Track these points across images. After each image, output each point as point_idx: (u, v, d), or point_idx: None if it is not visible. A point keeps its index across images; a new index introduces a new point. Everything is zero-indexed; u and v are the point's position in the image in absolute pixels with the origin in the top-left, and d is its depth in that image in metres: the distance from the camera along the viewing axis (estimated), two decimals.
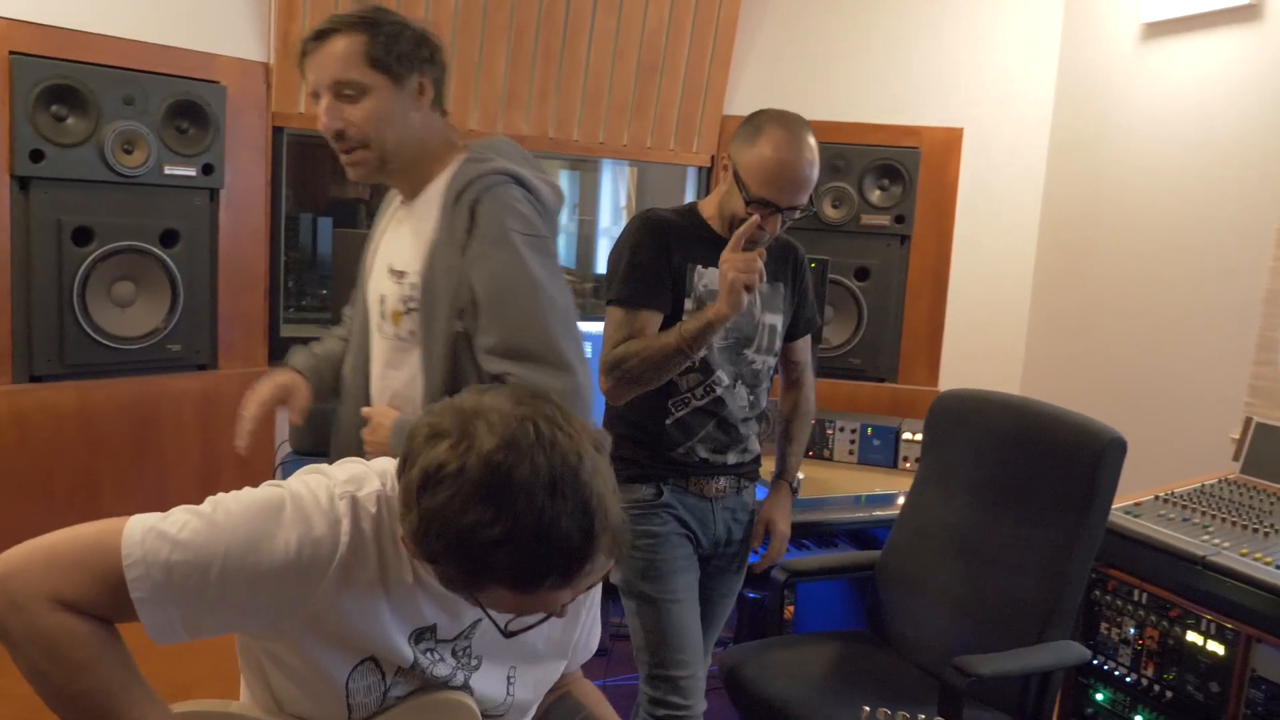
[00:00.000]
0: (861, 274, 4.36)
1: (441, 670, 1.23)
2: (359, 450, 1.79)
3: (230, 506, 1.13)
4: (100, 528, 1.10)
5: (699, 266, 2.32)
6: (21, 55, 3.36)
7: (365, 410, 1.89)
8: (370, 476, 1.21)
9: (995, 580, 2.42)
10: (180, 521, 1.10)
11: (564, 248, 5.78)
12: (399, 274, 1.88)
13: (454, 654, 1.23)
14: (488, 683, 1.28)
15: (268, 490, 1.15)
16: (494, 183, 1.76)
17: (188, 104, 3.74)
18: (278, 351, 4.18)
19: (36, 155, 3.41)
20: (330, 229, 5.21)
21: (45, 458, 3.54)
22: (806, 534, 3.22)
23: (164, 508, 1.15)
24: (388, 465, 1.23)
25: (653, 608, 2.26)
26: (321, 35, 1.79)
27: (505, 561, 1.01)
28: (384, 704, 1.19)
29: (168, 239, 3.75)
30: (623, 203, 6.25)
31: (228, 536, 1.09)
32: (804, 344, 2.60)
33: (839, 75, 4.52)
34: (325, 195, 5.44)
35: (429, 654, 1.20)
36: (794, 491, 2.63)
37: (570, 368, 1.65)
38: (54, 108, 3.45)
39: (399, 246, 1.90)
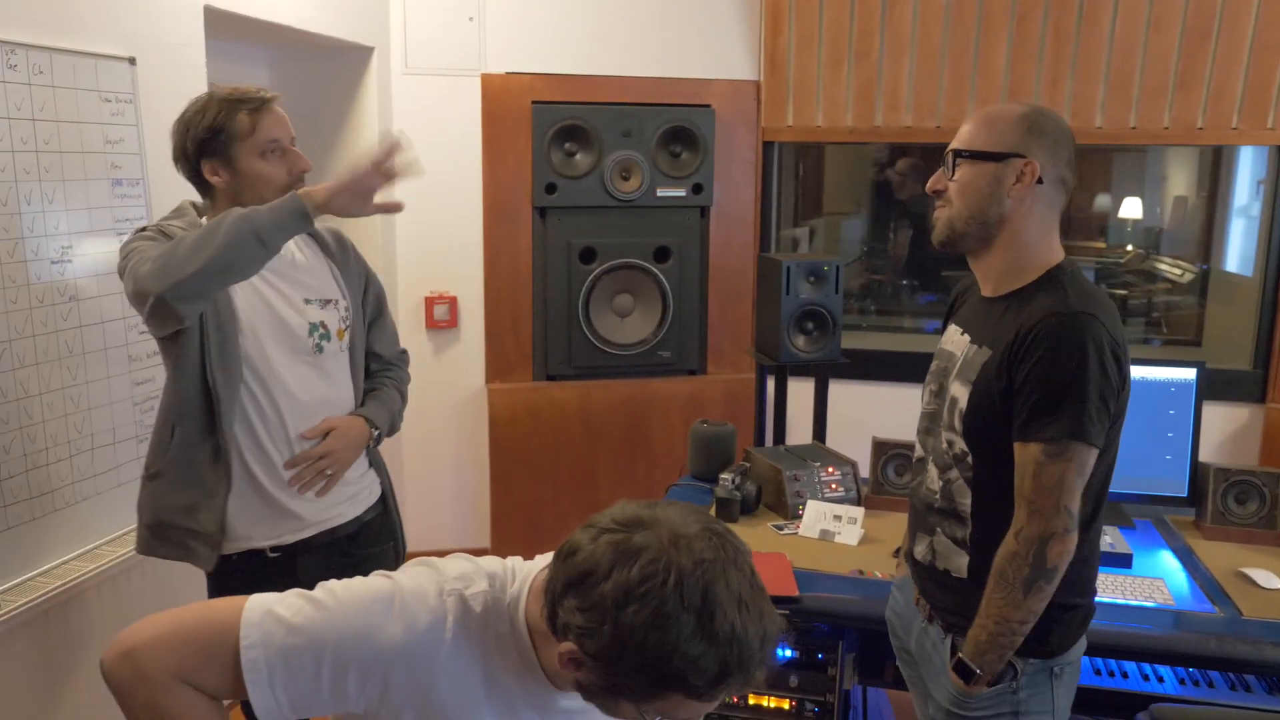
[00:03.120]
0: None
1: None
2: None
3: (341, 595, 1.17)
4: (225, 607, 1.16)
5: None
6: (540, 104, 3.86)
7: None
8: (479, 576, 1.23)
9: None
10: (295, 607, 1.15)
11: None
12: None
13: None
14: None
15: (379, 581, 1.20)
16: None
17: (679, 129, 3.96)
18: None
19: (550, 188, 3.91)
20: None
21: (553, 445, 4.10)
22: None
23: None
24: (495, 567, 1.26)
25: None
26: None
27: (700, 671, 1.06)
28: None
29: (661, 255, 4.04)
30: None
31: (341, 624, 1.13)
32: None
33: None
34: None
35: None
36: None
37: None
38: (566, 145, 3.92)
39: None
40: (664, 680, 1.06)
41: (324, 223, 2.01)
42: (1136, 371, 2.48)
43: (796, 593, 2.09)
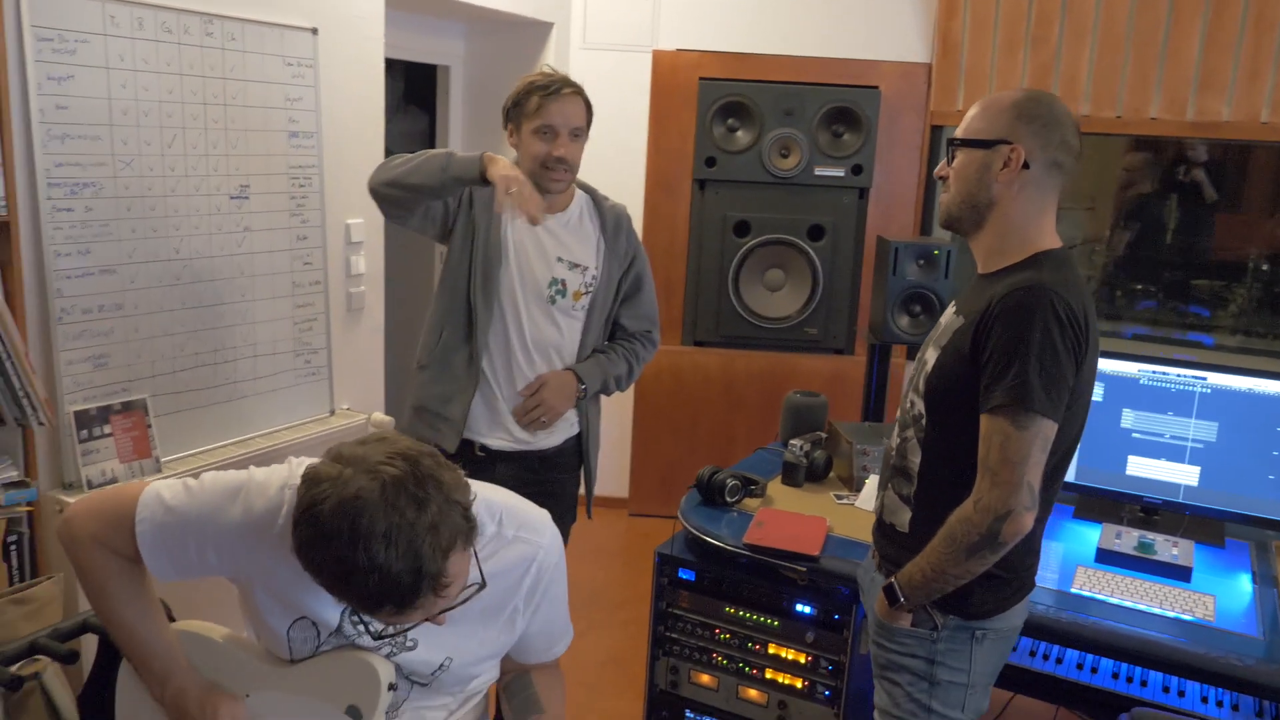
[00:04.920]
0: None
1: (368, 642, 1.40)
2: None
3: (207, 483, 1.40)
4: (132, 490, 1.42)
5: None
6: (706, 80, 4.01)
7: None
8: None
9: None
10: (175, 490, 1.39)
11: None
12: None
13: (375, 635, 1.38)
14: (416, 664, 1.44)
15: (238, 473, 1.40)
16: None
17: (842, 110, 3.99)
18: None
19: (710, 161, 4.06)
20: None
21: (693, 407, 4.27)
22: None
23: None
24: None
25: None
26: None
27: (354, 590, 1.20)
28: (316, 652, 1.41)
29: (815, 233, 4.09)
30: None
31: (198, 507, 1.37)
32: None
33: None
34: None
35: (359, 626, 1.39)
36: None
37: None
38: (729, 121, 4.05)
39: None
40: (335, 588, 1.21)
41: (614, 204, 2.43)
42: (1240, 383, 2.33)
43: (815, 553, 2.17)
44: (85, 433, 2.34)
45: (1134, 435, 2.42)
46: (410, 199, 2.16)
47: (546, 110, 2.20)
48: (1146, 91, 3.63)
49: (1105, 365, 2.41)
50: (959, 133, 1.67)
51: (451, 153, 2.12)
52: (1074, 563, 2.22)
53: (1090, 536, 2.35)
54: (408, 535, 1.17)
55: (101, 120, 2.32)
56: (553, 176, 2.23)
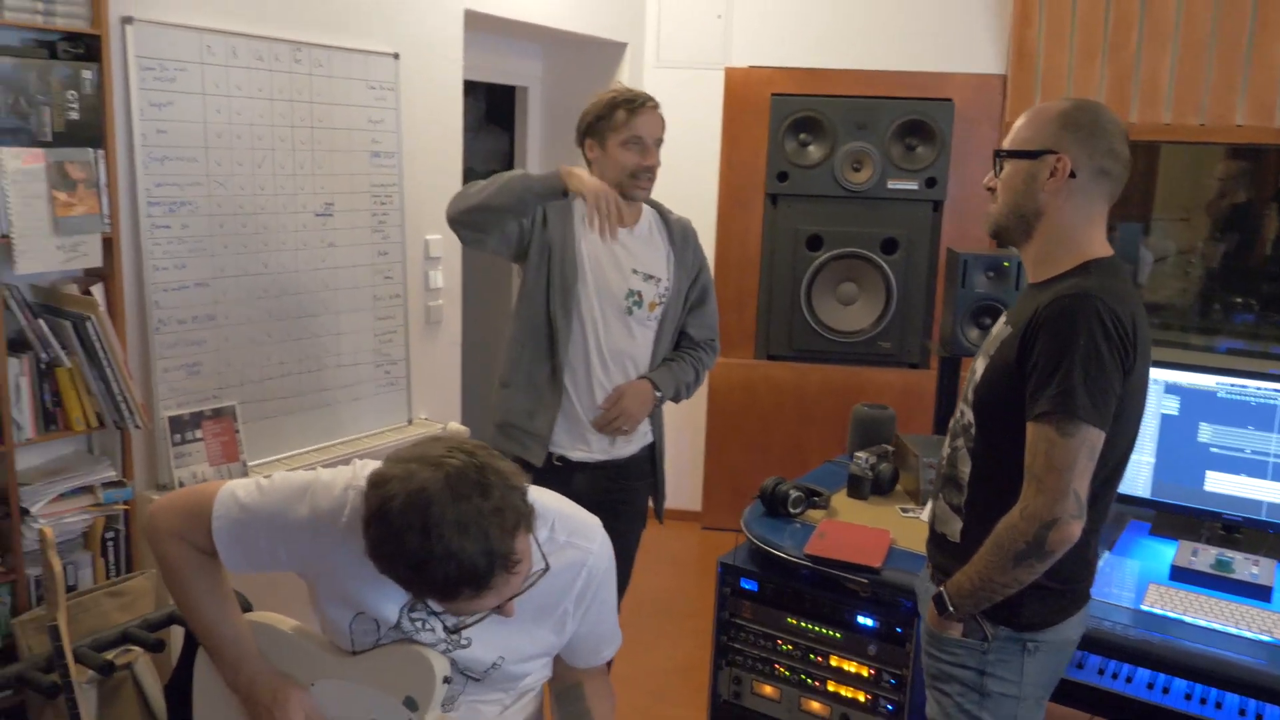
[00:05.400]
0: None
1: (426, 638, 1.45)
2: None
3: (278, 483, 1.47)
4: (210, 488, 1.50)
5: None
6: (779, 95, 4.03)
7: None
8: None
9: None
10: (248, 489, 1.47)
11: None
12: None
13: (445, 629, 1.45)
14: (471, 661, 1.49)
15: (305, 474, 1.48)
16: None
17: (915, 123, 3.96)
18: None
19: (782, 176, 4.07)
20: None
21: (765, 421, 4.27)
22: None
23: None
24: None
25: None
26: None
27: (431, 579, 1.26)
28: (376, 645, 1.47)
29: (888, 246, 4.07)
30: None
31: (269, 505, 1.45)
32: None
33: None
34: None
35: (418, 622, 1.45)
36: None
37: None
38: (801, 135, 4.06)
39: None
40: (411, 582, 1.28)
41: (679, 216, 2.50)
42: None
43: (877, 565, 2.16)
44: (178, 437, 2.47)
45: (1212, 450, 2.34)
46: (491, 222, 2.24)
47: (634, 123, 2.29)
48: (1231, 97, 3.52)
49: (1180, 378, 2.35)
50: (1005, 143, 1.68)
51: (527, 173, 2.21)
52: (1147, 580, 2.16)
53: (1166, 554, 2.28)
54: (476, 520, 1.24)
55: (198, 143, 2.46)
56: (640, 185, 2.33)
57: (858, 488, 2.60)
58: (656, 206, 2.47)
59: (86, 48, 2.20)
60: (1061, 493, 1.49)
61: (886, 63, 4.00)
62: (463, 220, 2.25)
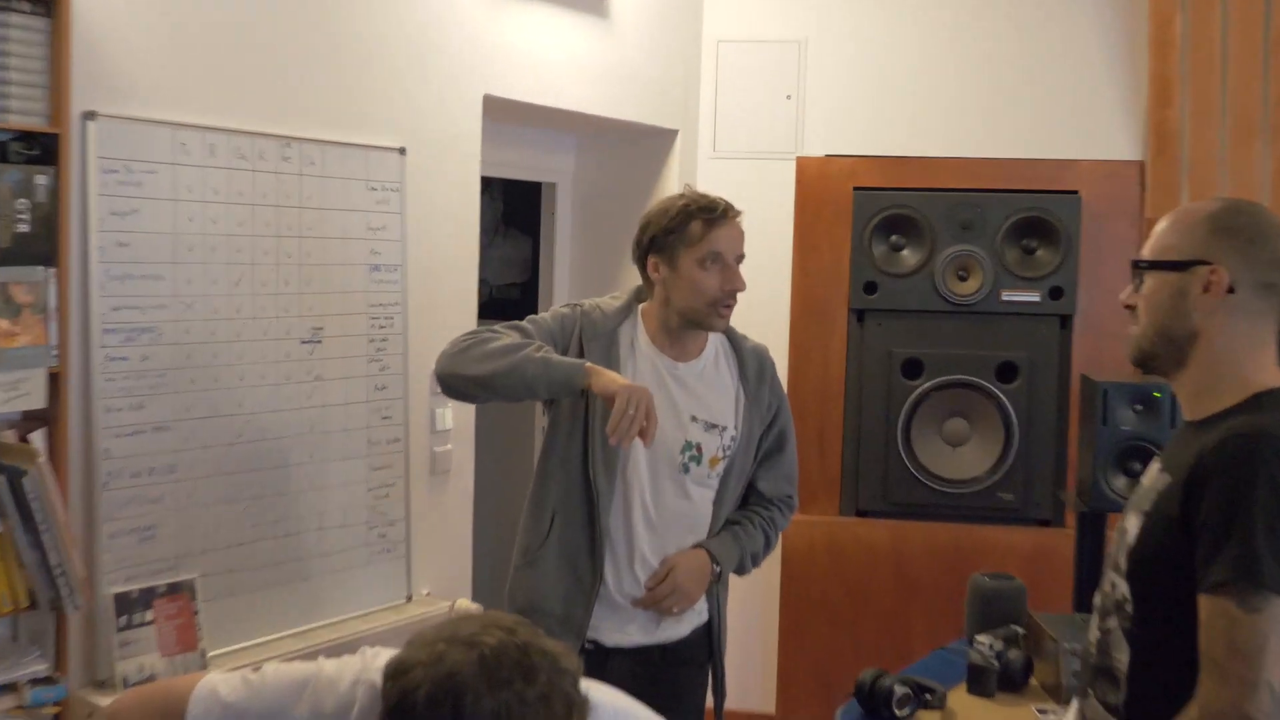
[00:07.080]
0: None
1: None
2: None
3: (269, 677, 1.53)
4: (184, 683, 1.58)
5: None
6: (862, 189, 4.12)
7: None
8: None
9: None
10: (232, 686, 1.53)
11: None
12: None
13: None
14: None
15: (305, 665, 1.53)
16: None
17: (1033, 220, 4.02)
18: None
19: (870, 287, 4.13)
20: None
21: (856, 594, 4.20)
22: None
23: None
24: None
25: None
26: None
27: None
28: None
29: (1005, 373, 4.07)
30: None
31: (260, 704, 1.49)
32: None
33: None
34: None
35: None
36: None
37: None
38: (892, 238, 4.13)
39: None
40: None
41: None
42: None
43: None
44: (124, 619, 2.48)
45: None
46: (488, 398, 2.31)
47: (714, 237, 2.33)
48: None
49: None
50: (1146, 252, 1.72)
51: (548, 357, 2.23)
52: None
53: None
54: (519, 710, 1.24)
55: (165, 258, 2.57)
56: (722, 313, 2.35)
57: (981, 682, 2.54)
58: (726, 331, 2.48)
59: (43, 148, 2.32)
60: (1251, 684, 1.46)
61: (995, 149, 4.09)
62: (454, 387, 2.31)
